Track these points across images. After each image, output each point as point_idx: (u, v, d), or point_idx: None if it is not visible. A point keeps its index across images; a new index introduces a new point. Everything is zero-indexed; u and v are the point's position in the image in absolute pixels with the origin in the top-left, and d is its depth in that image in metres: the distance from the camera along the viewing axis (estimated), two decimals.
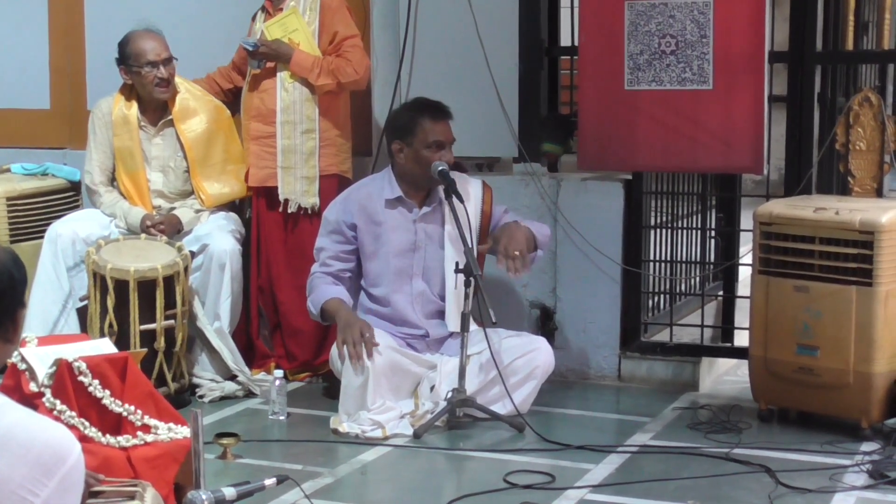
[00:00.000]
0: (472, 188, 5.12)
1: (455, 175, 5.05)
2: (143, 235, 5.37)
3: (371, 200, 5.11)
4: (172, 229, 5.45)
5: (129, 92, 5.63)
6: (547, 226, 5.28)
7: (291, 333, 5.64)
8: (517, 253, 4.88)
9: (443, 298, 5.07)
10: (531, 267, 5.08)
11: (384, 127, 5.41)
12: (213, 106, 5.69)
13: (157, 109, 5.63)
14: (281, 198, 5.55)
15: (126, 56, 5.53)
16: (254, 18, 5.67)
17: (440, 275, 5.07)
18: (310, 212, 5.54)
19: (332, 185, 5.54)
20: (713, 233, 6.19)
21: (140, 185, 5.61)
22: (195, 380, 5.35)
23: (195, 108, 5.63)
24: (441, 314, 5.08)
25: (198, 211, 5.60)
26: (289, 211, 5.55)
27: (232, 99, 5.86)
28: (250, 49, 5.51)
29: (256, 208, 5.68)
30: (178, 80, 5.60)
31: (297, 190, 5.53)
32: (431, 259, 5.09)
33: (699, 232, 6.14)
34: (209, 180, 5.63)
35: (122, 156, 5.61)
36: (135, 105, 5.61)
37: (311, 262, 5.32)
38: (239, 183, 5.69)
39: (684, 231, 6.09)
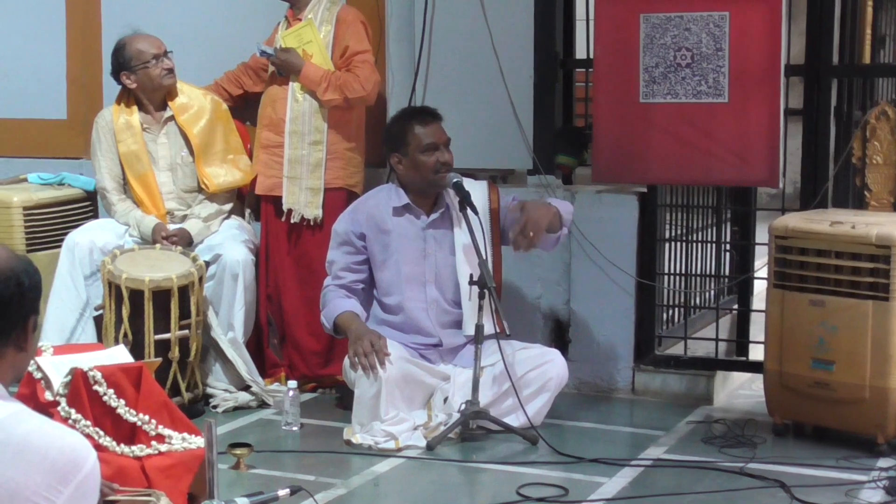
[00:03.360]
0: (478, 192, 5.12)
1: (461, 179, 5.05)
2: (158, 245, 5.38)
3: (378, 210, 5.11)
4: (183, 243, 5.46)
5: (126, 98, 5.66)
6: (570, 203, 5.26)
7: (294, 345, 5.65)
8: (531, 234, 4.87)
9: (457, 305, 5.07)
10: (557, 247, 5.16)
11: (382, 143, 5.40)
12: (209, 98, 5.75)
13: (157, 109, 5.67)
14: (285, 207, 5.57)
15: (127, 60, 5.57)
16: (277, 27, 5.70)
17: (453, 282, 5.07)
18: (312, 223, 5.55)
19: (339, 198, 5.54)
20: (728, 246, 6.18)
21: (150, 187, 5.63)
22: (209, 390, 5.36)
23: (193, 102, 5.70)
24: (454, 323, 5.08)
25: (206, 218, 5.60)
26: (292, 221, 5.57)
27: (241, 104, 5.89)
28: (259, 56, 5.58)
29: (265, 216, 5.70)
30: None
31: (301, 201, 5.54)
32: (443, 266, 5.09)
33: (714, 245, 6.13)
34: (212, 167, 5.66)
35: (128, 161, 5.63)
36: (135, 109, 5.65)
37: (316, 274, 5.34)
38: (240, 172, 5.72)
39: (699, 244, 6.08)
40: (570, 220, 5.16)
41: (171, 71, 5.58)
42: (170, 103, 5.65)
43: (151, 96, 5.63)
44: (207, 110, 5.69)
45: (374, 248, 5.11)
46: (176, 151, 5.67)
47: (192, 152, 5.65)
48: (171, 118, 5.65)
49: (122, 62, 5.59)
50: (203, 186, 5.65)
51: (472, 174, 5.45)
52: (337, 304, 5.06)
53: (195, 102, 5.69)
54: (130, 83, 5.62)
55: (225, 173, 5.69)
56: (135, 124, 5.64)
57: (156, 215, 5.58)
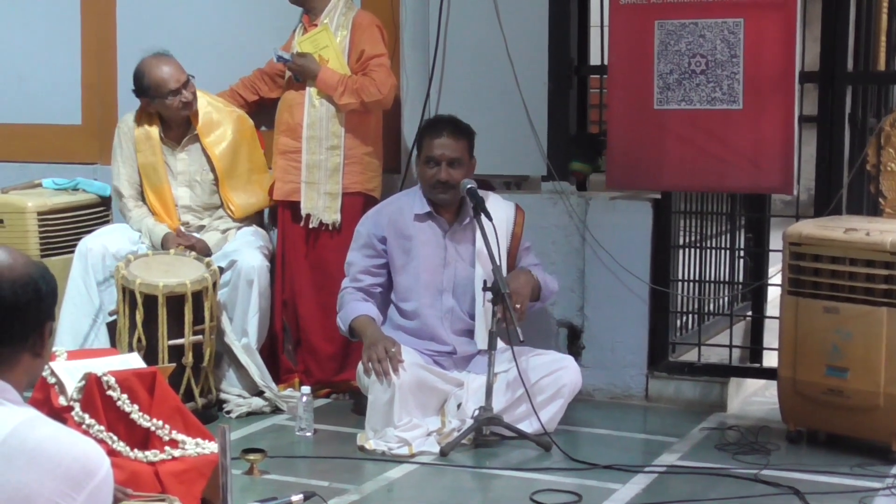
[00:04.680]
0: (503, 209, 5.11)
1: (487, 195, 5.06)
2: (172, 251, 5.39)
3: (401, 214, 5.12)
4: (201, 253, 5.46)
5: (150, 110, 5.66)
6: (557, 282, 5.26)
7: (310, 350, 5.65)
8: (517, 307, 4.84)
9: (472, 316, 5.07)
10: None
11: None
12: (235, 116, 5.73)
13: (180, 126, 5.65)
14: (303, 212, 5.57)
15: (145, 88, 5.53)
16: (294, 32, 5.71)
17: (470, 292, 5.07)
18: (331, 228, 5.56)
19: (357, 202, 5.55)
20: (742, 253, 6.17)
21: (165, 200, 5.64)
22: (222, 395, 5.37)
23: (219, 121, 5.67)
24: (469, 332, 5.08)
25: (224, 231, 5.62)
26: (310, 226, 5.57)
27: (257, 110, 5.89)
28: (276, 62, 5.59)
29: (282, 222, 5.71)
30: (199, 93, 5.62)
31: (320, 206, 5.55)
32: (461, 276, 5.09)
33: (728, 252, 6.12)
34: (236, 191, 5.66)
35: (146, 172, 5.64)
36: (157, 121, 5.64)
37: (333, 279, 5.34)
38: (264, 192, 5.73)
39: (713, 251, 6.07)
40: (548, 297, 5.18)
41: (189, 103, 5.54)
42: (194, 121, 5.61)
43: (172, 118, 5.63)
44: (231, 129, 5.67)
45: (394, 253, 5.11)
46: (196, 169, 5.66)
47: (213, 171, 5.65)
48: (196, 136, 5.65)
49: (141, 89, 5.56)
50: (228, 213, 5.65)
51: (487, 180, 5.46)
52: (354, 307, 5.07)
53: (220, 120, 5.66)
54: (150, 109, 5.61)
55: (248, 196, 5.70)
56: (154, 136, 5.62)
57: (168, 226, 5.59)
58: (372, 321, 5.01)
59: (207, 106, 5.66)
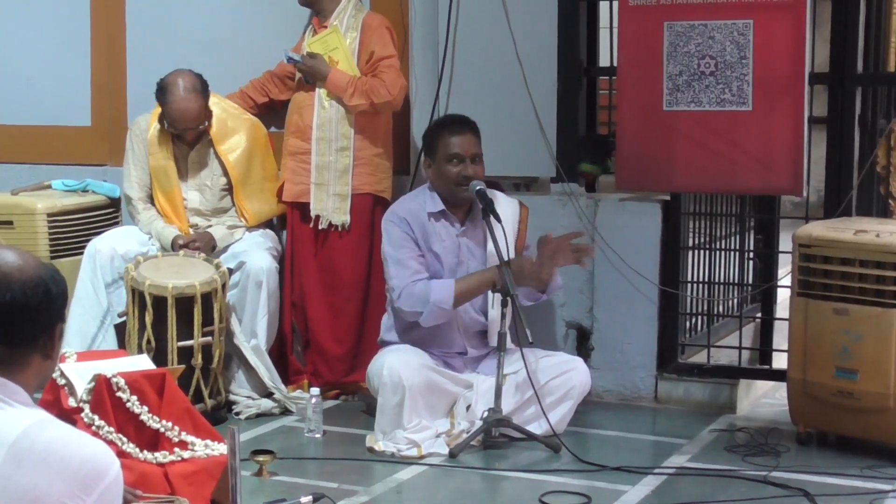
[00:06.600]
0: (509, 207, 5.11)
1: (494, 194, 5.05)
2: (182, 252, 5.39)
3: (416, 215, 5.08)
4: (207, 247, 5.47)
5: None
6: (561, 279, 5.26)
7: (319, 351, 5.65)
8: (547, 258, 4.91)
9: (485, 315, 5.07)
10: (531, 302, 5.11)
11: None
12: (250, 124, 5.72)
13: (194, 132, 5.63)
14: (312, 214, 5.57)
15: (162, 104, 5.50)
16: (304, 34, 5.71)
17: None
18: (340, 229, 5.55)
19: (366, 203, 5.55)
20: (751, 254, 6.16)
21: (175, 203, 5.63)
22: (232, 397, 5.37)
23: (234, 127, 5.66)
24: (481, 333, 5.08)
25: (231, 227, 5.62)
26: (320, 227, 5.57)
27: (266, 112, 5.89)
28: (286, 63, 5.59)
29: (291, 223, 5.71)
30: (213, 99, 5.61)
31: (329, 207, 5.55)
32: None
33: (737, 253, 6.11)
34: (250, 199, 5.66)
35: (157, 175, 5.64)
36: None
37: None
38: (275, 200, 5.73)
39: (722, 252, 6.07)
40: (554, 290, 5.15)
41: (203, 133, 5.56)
42: (208, 127, 5.60)
43: None
44: (246, 137, 5.66)
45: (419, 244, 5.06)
46: (207, 174, 5.66)
47: (224, 176, 5.63)
48: (209, 142, 5.64)
49: (159, 99, 5.52)
50: (242, 221, 5.66)
51: (496, 182, 5.45)
52: (438, 284, 4.93)
53: (235, 127, 5.64)
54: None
55: (262, 204, 5.70)
56: (167, 139, 5.61)
57: (178, 228, 5.59)
58: (471, 274, 4.97)
59: (222, 113, 5.64)
